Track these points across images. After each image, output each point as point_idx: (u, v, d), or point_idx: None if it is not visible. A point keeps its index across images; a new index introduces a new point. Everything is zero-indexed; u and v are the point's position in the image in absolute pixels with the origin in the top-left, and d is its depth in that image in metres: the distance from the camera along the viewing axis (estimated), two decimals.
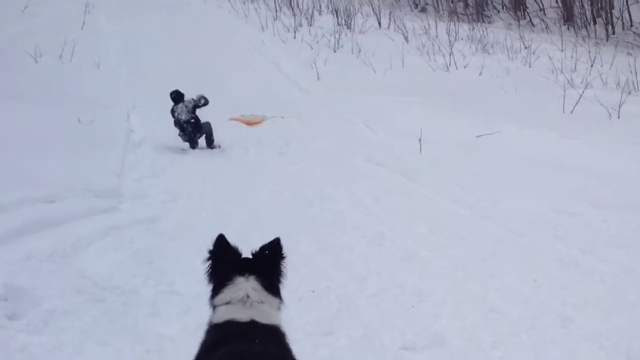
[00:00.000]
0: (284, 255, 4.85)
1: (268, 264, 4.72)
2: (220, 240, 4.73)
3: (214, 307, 4.57)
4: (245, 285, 4.52)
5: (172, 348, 6.93)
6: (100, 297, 7.93)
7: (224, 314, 4.39)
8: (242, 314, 4.36)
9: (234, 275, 4.56)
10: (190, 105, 17.25)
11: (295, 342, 7.02)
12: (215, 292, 4.60)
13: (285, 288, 8.55)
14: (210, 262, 4.73)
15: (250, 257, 4.73)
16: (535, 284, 9.10)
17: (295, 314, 7.88)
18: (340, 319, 7.93)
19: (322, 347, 7.27)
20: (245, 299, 4.45)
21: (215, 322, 4.40)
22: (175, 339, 7.08)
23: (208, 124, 17.56)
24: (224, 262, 4.65)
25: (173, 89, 17.52)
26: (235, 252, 4.73)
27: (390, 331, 7.64)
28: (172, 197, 13.00)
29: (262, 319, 4.41)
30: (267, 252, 4.75)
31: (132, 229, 10.75)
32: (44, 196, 11.03)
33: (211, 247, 4.74)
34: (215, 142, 17.64)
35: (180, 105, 17.22)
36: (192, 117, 17.14)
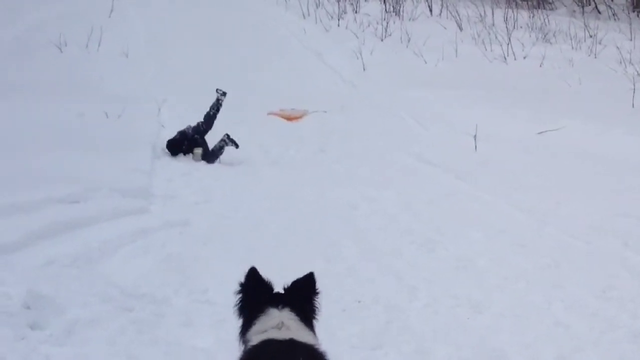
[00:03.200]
0: (317, 291, 4.85)
1: (301, 299, 4.73)
2: (252, 274, 4.81)
3: (245, 342, 4.61)
4: (280, 315, 4.57)
5: None
6: (128, 305, 7.92)
7: (260, 337, 4.44)
8: (280, 335, 4.42)
9: (267, 307, 4.62)
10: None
11: (339, 356, 7.00)
12: (246, 326, 4.67)
13: (328, 298, 8.56)
14: (240, 295, 4.82)
15: (283, 291, 4.78)
16: (603, 296, 8.98)
17: (338, 325, 7.84)
18: (389, 332, 7.87)
19: None
20: (280, 325, 4.50)
21: (252, 344, 4.44)
22: (209, 352, 7.07)
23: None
24: (256, 296, 4.72)
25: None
26: (267, 285, 4.79)
27: (444, 346, 7.57)
28: (205, 198, 13.00)
29: (301, 339, 4.43)
30: (300, 287, 4.77)
31: (162, 232, 10.75)
32: (68, 196, 11.06)
33: (242, 280, 4.83)
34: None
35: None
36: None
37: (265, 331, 4.47)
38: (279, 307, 4.61)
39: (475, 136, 16.86)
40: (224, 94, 16.59)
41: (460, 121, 19.10)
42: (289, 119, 20.03)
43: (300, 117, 20.23)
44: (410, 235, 11.27)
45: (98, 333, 7.16)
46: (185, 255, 9.86)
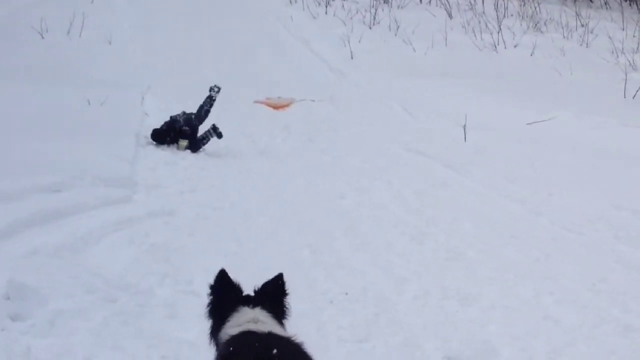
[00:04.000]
0: (287, 292, 4.92)
1: (272, 300, 4.81)
2: (222, 276, 4.87)
3: (218, 340, 4.66)
4: (253, 312, 4.65)
5: (190, 354, 6.90)
6: (112, 296, 7.89)
7: (238, 330, 4.48)
8: (257, 327, 4.48)
9: (239, 306, 4.71)
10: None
11: (327, 349, 7.03)
12: (218, 325, 4.74)
13: (316, 290, 8.58)
14: (211, 297, 4.91)
15: (253, 294, 4.86)
16: (594, 288, 8.99)
17: (327, 318, 7.86)
18: (378, 325, 7.87)
19: (356, 355, 7.21)
20: (256, 320, 4.57)
21: (231, 334, 4.47)
22: (194, 344, 7.03)
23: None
24: (227, 297, 4.80)
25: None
26: (237, 287, 4.88)
27: (432, 339, 7.57)
28: (191, 187, 12.98)
29: (280, 333, 4.53)
30: (270, 288, 4.86)
31: (147, 222, 10.72)
32: (50, 185, 11.02)
33: (211, 282, 4.92)
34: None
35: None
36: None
37: (241, 325, 4.51)
38: (251, 306, 4.69)
39: (465, 126, 16.89)
40: (219, 90, 16.41)
41: (450, 111, 19.13)
42: (275, 107, 20.03)
43: (287, 105, 20.23)
44: (401, 226, 11.28)
45: (82, 324, 7.11)
46: (170, 245, 9.84)
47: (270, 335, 4.37)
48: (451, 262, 9.86)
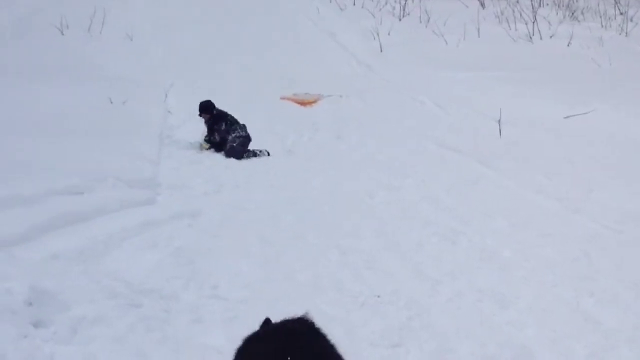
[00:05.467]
0: None
1: None
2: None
3: None
4: None
5: None
6: (135, 302, 7.93)
7: None
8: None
9: None
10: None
11: (358, 354, 7.02)
12: None
13: (345, 292, 8.57)
14: None
15: None
16: (636, 289, 8.95)
17: (358, 322, 7.84)
18: (411, 328, 7.86)
19: None
20: None
21: None
22: (220, 350, 7.04)
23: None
24: None
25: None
26: None
27: (468, 343, 7.56)
28: (216, 188, 13.02)
29: None
30: None
31: (170, 224, 10.75)
32: (71, 187, 11.08)
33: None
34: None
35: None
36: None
37: None
38: None
39: (499, 120, 16.82)
40: (268, 154, 16.09)
41: (483, 105, 19.08)
42: (302, 103, 20.05)
43: (314, 101, 20.25)
44: (432, 226, 11.26)
45: (105, 331, 7.15)
46: (194, 248, 9.86)
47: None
48: (485, 262, 9.82)
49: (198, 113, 16.17)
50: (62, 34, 24.42)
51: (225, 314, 7.89)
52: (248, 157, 15.50)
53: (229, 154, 15.44)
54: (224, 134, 15.82)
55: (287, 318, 4.91)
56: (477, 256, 10.05)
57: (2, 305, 6.91)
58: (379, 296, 8.58)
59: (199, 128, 16.43)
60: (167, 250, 9.66)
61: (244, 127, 15.94)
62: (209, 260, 9.45)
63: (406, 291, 8.78)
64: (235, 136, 15.73)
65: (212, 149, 15.76)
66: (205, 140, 15.95)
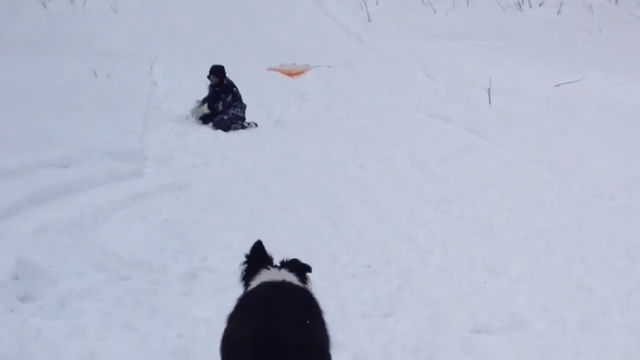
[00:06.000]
0: (309, 267, 5.46)
1: (296, 267, 5.40)
2: (257, 246, 5.51)
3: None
4: (280, 270, 5.29)
5: (207, 332, 6.88)
6: (124, 274, 7.89)
7: (258, 281, 5.19)
8: (275, 278, 5.17)
9: (268, 266, 5.35)
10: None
11: (350, 325, 7.03)
12: (247, 282, 5.37)
13: (337, 263, 8.57)
14: (245, 266, 5.49)
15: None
16: (628, 255, 8.97)
17: (348, 292, 7.85)
18: (402, 298, 7.86)
19: (380, 330, 7.18)
20: (278, 275, 5.22)
21: (253, 286, 5.21)
22: (210, 322, 7.03)
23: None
24: (259, 262, 5.41)
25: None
26: (269, 257, 5.48)
27: (459, 312, 7.56)
28: (204, 160, 12.98)
29: (293, 282, 5.20)
30: (296, 262, 5.44)
31: (158, 196, 10.74)
32: (57, 159, 11.06)
33: (248, 253, 5.49)
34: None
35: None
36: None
37: (264, 279, 5.18)
38: (277, 268, 5.33)
39: (489, 89, 16.81)
40: (256, 125, 16.01)
41: (473, 74, 19.06)
42: (290, 74, 19.99)
43: (302, 72, 20.19)
44: (424, 196, 11.26)
45: (93, 304, 7.11)
46: (183, 220, 9.84)
47: (283, 282, 5.09)
48: (477, 231, 9.83)
49: (208, 75, 16.03)
50: (45, 7, 24.26)
51: (215, 286, 7.88)
52: (235, 129, 15.45)
53: (217, 125, 15.39)
54: (227, 106, 15.77)
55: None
56: (469, 225, 10.06)
57: None
58: (369, 266, 8.59)
59: (186, 100, 16.34)
60: (156, 222, 9.65)
61: (244, 108, 15.92)
62: (198, 233, 9.44)
63: (397, 261, 8.79)
64: (233, 113, 15.70)
65: (201, 121, 15.67)
66: (209, 106, 15.82)
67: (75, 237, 8.65)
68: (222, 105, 15.74)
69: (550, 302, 7.78)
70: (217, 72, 15.97)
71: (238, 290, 5.28)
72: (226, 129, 15.32)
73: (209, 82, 16.04)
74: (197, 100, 15.84)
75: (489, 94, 16.71)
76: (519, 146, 13.67)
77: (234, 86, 16.00)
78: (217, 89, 15.91)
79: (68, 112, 13.64)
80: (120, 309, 7.12)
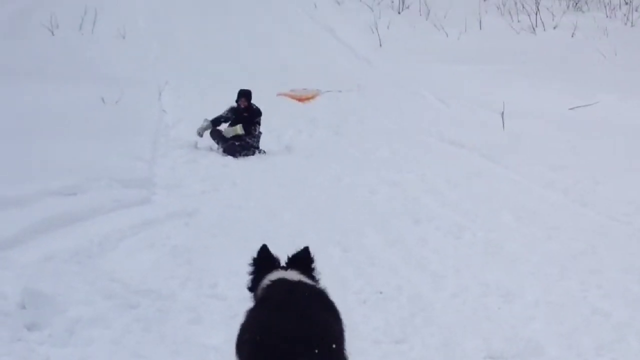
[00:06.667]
0: (314, 260, 5.94)
1: (303, 266, 5.81)
2: (264, 250, 5.85)
3: (256, 293, 5.64)
4: (288, 271, 5.62)
5: None
6: (132, 302, 7.92)
7: (275, 277, 5.52)
8: (291, 277, 5.51)
9: (276, 268, 5.69)
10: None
11: (362, 351, 7.02)
12: (256, 284, 5.66)
13: (348, 289, 8.58)
14: (253, 268, 5.81)
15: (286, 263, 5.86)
16: None
17: (360, 319, 7.84)
18: (414, 324, 7.85)
19: (392, 357, 7.19)
20: (286, 274, 5.57)
21: (267, 282, 5.51)
22: (219, 350, 7.05)
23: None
24: (266, 265, 5.75)
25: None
26: (275, 259, 5.85)
27: (473, 338, 7.53)
28: (213, 186, 13.04)
29: (304, 280, 5.56)
30: (299, 258, 5.88)
31: (167, 223, 10.78)
32: (65, 187, 11.10)
33: (254, 256, 5.84)
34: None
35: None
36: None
37: (276, 276, 5.52)
38: (285, 269, 5.69)
39: (502, 113, 16.82)
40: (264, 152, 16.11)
41: (486, 98, 19.09)
42: (300, 99, 20.07)
43: (312, 97, 20.26)
44: (435, 221, 11.25)
45: (101, 332, 7.14)
46: (192, 247, 9.87)
47: (301, 283, 5.42)
48: (490, 256, 9.82)
49: (236, 99, 16.19)
50: (53, 34, 24.41)
51: (224, 313, 7.88)
52: (246, 155, 15.52)
53: (227, 151, 15.48)
54: (259, 131, 15.99)
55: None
56: (482, 250, 10.04)
57: None
58: (381, 292, 8.59)
59: (195, 127, 16.39)
60: (164, 249, 9.68)
61: (259, 136, 16.05)
62: (207, 259, 9.46)
63: (409, 287, 8.78)
64: (248, 141, 15.81)
65: (217, 142, 15.76)
66: (244, 127, 15.93)
67: (83, 265, 8.67)
68: (258, 130, 15.88)
69: (565, 327, 7.75)
70: (247, 96, 16.12)
71: None
72: (236, 155, 15.38)
73: (233, 105, 16.10)
74: (206, 119, 15.89)
75: (503, 118, 16.72)
76: (533, 169, 13.67)
77: (260, 112, 16.13)
78: (245, 114, 15.99)
79: (76, 139, 13.72)
80: (129, 337, 7.16)
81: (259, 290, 5.55)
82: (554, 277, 9.09)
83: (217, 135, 15.90)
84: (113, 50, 23.75)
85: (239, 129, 15.79)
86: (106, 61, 22.14)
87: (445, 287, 8.79)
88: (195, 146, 15.66)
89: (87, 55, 22.59)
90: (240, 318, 7.31)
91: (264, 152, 15.80)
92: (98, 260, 8.99)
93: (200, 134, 15.83)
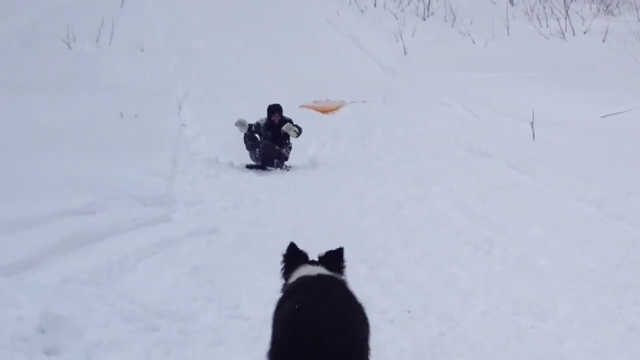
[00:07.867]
0: (345, 261, 6.42)
1: (332, 263, 6.30)
2: (292, 247, 6.48)
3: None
4: (316, 267, 6.17)
5: None
6: (152, 324, 7.92)
7: (296, 276, 6.10)
8: (312, 272, 6.06)
9: (304, 264, 6.26)
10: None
11: None
12: (286, 280, 6.24)
13: (374, 308, 8.55)
14: (284, 264, 6.41)
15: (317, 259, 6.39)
16: None
17: (387, 339, 7.81)
18: (443, 344, 7.83)
19: None
20: (314, 269, 6.14)
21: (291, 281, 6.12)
22: None
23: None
24: (295, 261, 6.34)
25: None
26: (303, 254, 6.46)
27: (505, 357, 7.51)
28: (234, 203, 13.04)
29: (326, 272, 6.10)
30: (331, 256, 6.37)
31: (188, 242, 10.79)
32: (83, 206, 11.14)
33: (284, 252, 6.46)
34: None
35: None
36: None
37: (302, 274, 6.07)
38: (313, 264, 6.24)
39: (532, 123, 16.76)
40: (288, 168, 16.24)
41: (514, 106, 19.03)
42: (324, 111, 20.07)
43: (336, 109, 20.27)
44: (464, 236, 11.22)
45: (121, 356, 7.14)
46: (213, 266, 9.88)
47: (319, 276, 5.98)
48: (521, 272, 9.77)
49: (268, 114, 16.27)
50: (70, 48, 24.55)
51: (247, 335, 7.88)
52: (278, 166, 15.66)
53: (262, 153, 15.65)
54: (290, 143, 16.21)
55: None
56: (512, 266, 9.99)
57: (13, 334, 6.92)
58: (409, 311, 8.56)
59: (216, 140, 16.46)
60: (185, 269, 9.68)
61: (290, 149, 16.21)
62: (229, 279, 9.46)
63: (438, 305, 8.74)
64: (287, 150, 15.96)
65: (251, 145, 15.99)
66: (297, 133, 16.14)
67: (102, 287, 8.68)
68: (290, 143, 16.18)
69: (600, 345, 7.70)
70: (280, 110, 16.29)
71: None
72: (269, 161, 15.52)
73: (263, 120, 16.17)
74: (243, 119, 15.96)
75: (532, 128, 16.66)
76: (564, 181, 13.61)
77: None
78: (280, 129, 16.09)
79: (93, 156, 13.76)
80: None
81: (288, 283, 6.14)
82: (587, 293, 9.03)
83: (251, 138, 15.97)
84: (131, 62, 23.83)
85: (297, 129, 15.91)
86: (124, 74, 22.20)
87: (475, 305, 8.75)
88: (217, 161, 15.68)
89: (105, 68, 22.67)
90: (263, 339, 7.38)
91: (289, 168, 15.81)
92: (117, 281, 9.00)
93: (243, 125, 15.90)
